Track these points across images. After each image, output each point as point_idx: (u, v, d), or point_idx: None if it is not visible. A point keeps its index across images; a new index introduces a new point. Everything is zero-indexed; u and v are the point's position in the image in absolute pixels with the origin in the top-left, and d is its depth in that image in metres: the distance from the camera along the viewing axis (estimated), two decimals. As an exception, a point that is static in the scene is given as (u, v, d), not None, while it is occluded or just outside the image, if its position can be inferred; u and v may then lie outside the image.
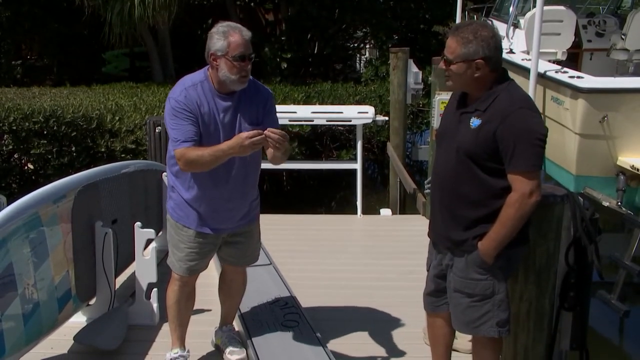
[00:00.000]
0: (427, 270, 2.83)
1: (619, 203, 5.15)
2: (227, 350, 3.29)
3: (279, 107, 6.49)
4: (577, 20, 7.63)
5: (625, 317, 4.79)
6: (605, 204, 5.21)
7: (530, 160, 2.39)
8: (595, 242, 2.72)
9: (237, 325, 3.55)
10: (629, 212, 5.03)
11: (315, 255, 4.93)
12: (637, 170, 5.10)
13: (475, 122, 2.46)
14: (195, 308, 3.27)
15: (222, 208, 2.96)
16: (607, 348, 4.92)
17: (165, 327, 3.40)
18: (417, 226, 5.44)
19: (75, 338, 3.28)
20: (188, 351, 3.19)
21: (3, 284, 2.64)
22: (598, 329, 4.89)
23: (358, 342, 3.50)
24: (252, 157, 2.93)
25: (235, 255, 3.16)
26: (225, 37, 2.76)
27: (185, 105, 2.80)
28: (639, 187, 5.19)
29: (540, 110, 5.89)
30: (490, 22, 8.36)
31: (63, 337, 3.34)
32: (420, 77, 7.82)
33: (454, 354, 2.96)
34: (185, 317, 3.17)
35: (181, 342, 3.18)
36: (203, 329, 3.48)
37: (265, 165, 6.15)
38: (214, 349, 3.40)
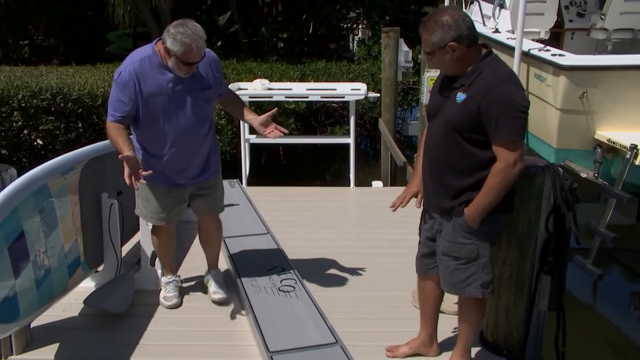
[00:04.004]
0: (419, 235, 2.84)
1: (596, 174, 5.16)
2: (211, 290, 3.51)
3: (276, 85, 6.55)
4: (559, 1, 7.56)
5: (599, 280, 4.85)
6: (583, 175, 5.22)
7: (514, 131, 2.39)
8: (573, 210, 2.74)
9: (236, 290, 3.58)
10: (604, 182, 5.05)
11: (310, 224, 4.94)
12: (614, 143, 5.10)
13: (460, 96, 2.46)
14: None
15: (182, 164, 3.16)
16: (582, 309, 5.00)
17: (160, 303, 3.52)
18: (407, 197, 5.44)
19: (85, 302, 3.31)
20: (179, 276, 3.55)
21: (16, 251, 2.64)
22: (574, 291, 4.96)
23: (351, 304, 3.53)
24: (200, 118, 3.12)
25: (205, 206, 3.38)
26: (179, 45, 2.85)
27: (126, 82, 2.95)
28: (615, 160, 5.20)
29: (524, 87, 5.90)
30: (477, 3, 8.27)
31: (74, 301, 3.36)
32: (411, 55, 7.77)
33: (440, 315, 2.99)
34: (171, 253, 3.51)
35: (172, 270, 3.51)
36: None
37: (262, 141, 6.15)
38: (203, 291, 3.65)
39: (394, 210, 2.83)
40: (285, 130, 3.18)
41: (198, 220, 3.53)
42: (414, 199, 2.86)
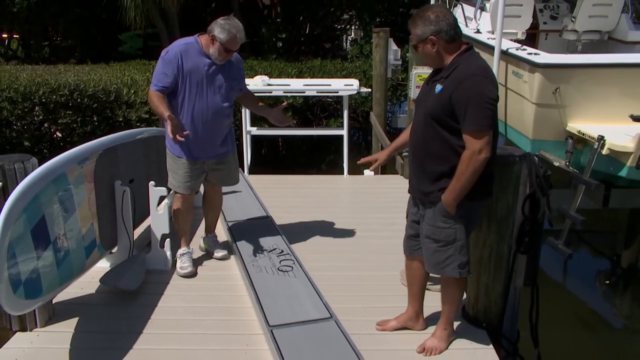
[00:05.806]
0: (406, 219, 2.84)
1: (567, 163, 5.16)
2: (214, 251, 3.82)
3: (275, 81, 6.50)
4: (534, 5, 7.53)
5: (569, 259, 4.87)
6: (556, 163, 5.22)
7: (480, 121, 2.36)
8: (547, 195, 2.74)
9: (239, 270, 3.58)
10: (575, 170, 5.05)
11: (307, 209, 4.92)
12: (583, 134, 5.10)
13: (438, 87, 2.47)
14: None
15: (204, 140, 3.44)
16: (554, 284, 5.03)
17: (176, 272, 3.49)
18: (396, 184, 5.44)
19: (101, 280, 3.30)
20: (192, 249, 3.71)
21: (38, 234, 2.62)
22: (547, 269, 4.98)
23: (345, 282, 3.53)
24: (224, 100, 3.42)
25: (221, 178, 3.67)
26: (227, 33, 3.27)
27: (172, 58, 3.31)
28: (584, 149, 5.20)
29: (502, 83, 5.88)
30: (460, 5, 8.21)
31: (91, 279, 3.36)
32: (399, 54, 7.72)
33: (426, 292, 2.98)
34: (188, 225, 3.70)
35: (187, 243, 3.69)
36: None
37: (263, 132, 6.13)
38: (204, 252, 3.89)
39: (358, 163, 3.07)
40: (294, 121, 3.70)
41: (205, 191, 3.80)
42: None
